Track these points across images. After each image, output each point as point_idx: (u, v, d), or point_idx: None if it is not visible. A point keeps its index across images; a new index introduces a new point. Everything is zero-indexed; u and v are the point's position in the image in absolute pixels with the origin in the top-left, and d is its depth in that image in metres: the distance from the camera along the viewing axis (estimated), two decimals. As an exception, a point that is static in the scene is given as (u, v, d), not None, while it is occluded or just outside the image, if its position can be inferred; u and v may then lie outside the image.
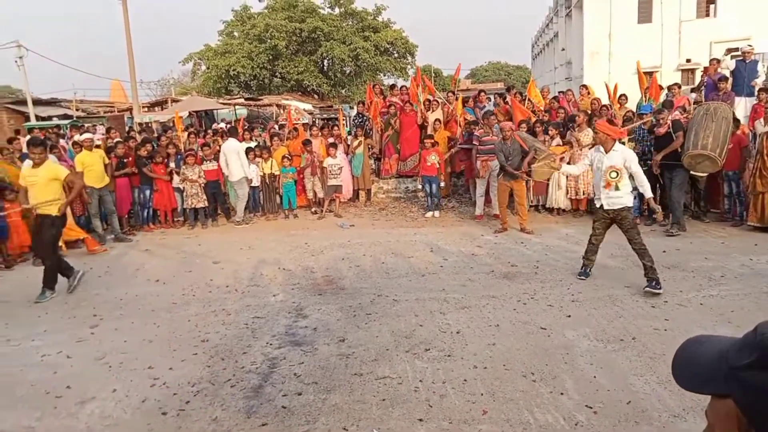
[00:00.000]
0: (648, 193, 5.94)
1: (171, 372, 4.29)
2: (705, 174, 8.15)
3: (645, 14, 24.62)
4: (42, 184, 6.25)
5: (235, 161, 9.83)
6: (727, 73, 10.70)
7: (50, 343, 4.99)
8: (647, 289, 5.54)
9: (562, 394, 3.71)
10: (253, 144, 10.73)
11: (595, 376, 3.92)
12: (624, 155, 5.79)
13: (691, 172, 7.97)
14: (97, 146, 9.57)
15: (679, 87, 10.98)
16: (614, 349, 4.36)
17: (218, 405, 3.76)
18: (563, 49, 31.46)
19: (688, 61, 23.78)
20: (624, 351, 4.31)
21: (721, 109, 7.68)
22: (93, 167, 8.87)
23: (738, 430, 0.75)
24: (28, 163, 6.56)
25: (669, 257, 6.83)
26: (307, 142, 10.69)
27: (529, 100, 11.40)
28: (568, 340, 4.56)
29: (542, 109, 10.92)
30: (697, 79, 15.76)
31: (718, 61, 11.37)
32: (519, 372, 4.04)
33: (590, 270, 6.24)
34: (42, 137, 8.14)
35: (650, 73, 16.54)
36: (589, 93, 11.22)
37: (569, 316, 5.09)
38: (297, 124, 14.18)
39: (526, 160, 8.16)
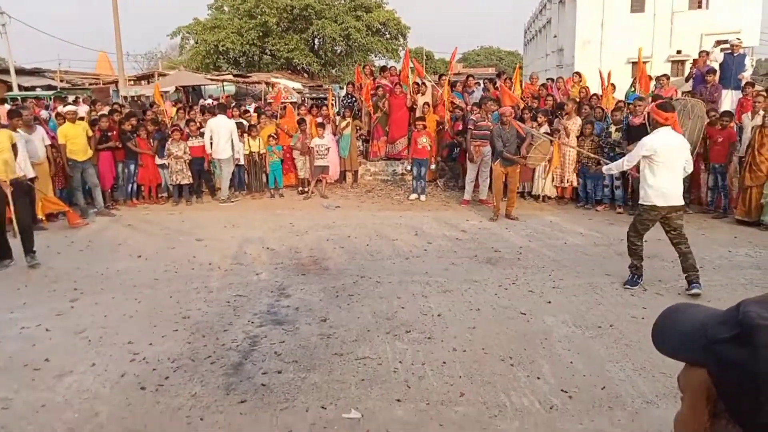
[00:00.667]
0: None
1: (151, 347, 4.28)
2: None
3: (638, 4, 24.63)
4: None
5: (225, 139, 9.73)
6: (716, 66, 10.77)
7: (29, 315, 4.96)
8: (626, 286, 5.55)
9: (538, 378, 3.77)
10: (243, 121, 10.64)
11: (571, 362, 3.99)
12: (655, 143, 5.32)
13: None
14: (81, 118, 9.43)
15: (668, 78, 11.03)
16: (592, 336, 4.43)
17: (198, 381, 3.77)
18: (555, 36, 31.42)
19: (679, 52, 23.89)
20: (601, 338, 4.38)
21: (698, 107, 7.87)
22: (76, 140, 8.75)
23: (707, 400, 0.78)
24: None
25: (649, 247, 6.88)
26: (301, 122, 10.61)
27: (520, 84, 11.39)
28: (547, 326, 4.61)
29: (529, 96, 10.91)
30: (687, 71, 15.84)
31: (708, 53, 11.43)
32: (497, 356, 4.09)
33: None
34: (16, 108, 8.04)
35: (643, 63, 16.60)
36: (581, 80, 11.22)
37: (549, 302, 5.16)
38: (285, 102, 14.06)
39: (524, 146, 8.20)
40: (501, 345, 4.27)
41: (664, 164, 5.17)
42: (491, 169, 8.90)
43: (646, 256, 6.46)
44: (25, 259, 6.39)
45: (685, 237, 5.41)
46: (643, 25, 24.07)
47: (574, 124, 9.18)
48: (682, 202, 5.35)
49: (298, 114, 11.30)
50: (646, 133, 7.75)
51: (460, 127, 10.30)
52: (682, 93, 10.62)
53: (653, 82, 10.81)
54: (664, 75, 11.00)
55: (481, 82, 12.59)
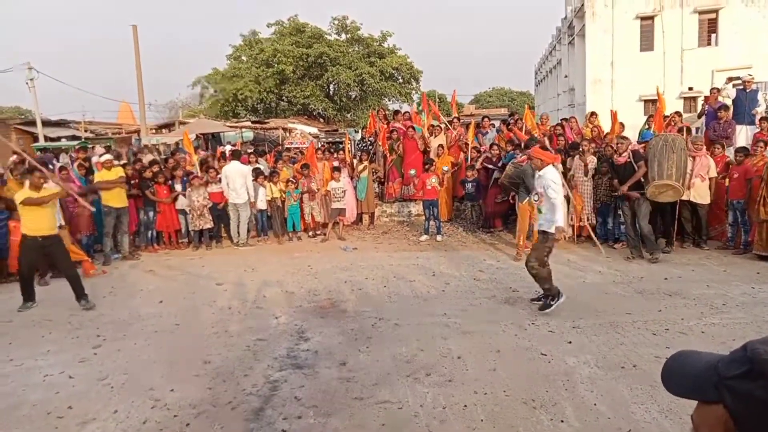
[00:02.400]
0: (557, 223, 5.83)
1: (172, 393, 4.30)
2: (666, 202, 8.27)
3: (647, 43, 24.91)
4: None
5: (241, 184, 9.93)
6: (729, 102, 10.82)
7: (53, 363, 5.02)
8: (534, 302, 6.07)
9: (562, 421, 3.71)
10: (261, 166, 10.86)
11: (595, 404, 3.92)
12: (543, 180, 5.91)
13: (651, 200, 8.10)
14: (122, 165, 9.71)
15: (680, 115, 11.09)
16: (615, 377, 4.36)
17: (219, 427, 3.77)
18: (566, 76, 31.79)
19: (690, 89, 23.98)
20: (625, 378, 4.31)
21: (678, 140, 8.08)
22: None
23: None
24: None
25: (670, 284, 6.85)
26: (305, 167, 10.80)
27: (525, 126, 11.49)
28: (568, 367, 4.56)
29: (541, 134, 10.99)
30: (699, 108, 15.89)
31: (719, 90, 11.50)
32: (519, 398, 4.04)
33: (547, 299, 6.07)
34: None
35: (653, 101, 16.70)
36: (594, 117, 11.23)
37: (570, 342, 5.10)
38: (302, 147, 14.35)
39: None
40: (522, 387, 4.22)
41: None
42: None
43: (667, 294, 6.41)
44: (80, 304, 6.64)
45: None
46: (653, 63, 24.29)
47: (591, 162, 9.22)
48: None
49: (316, 157, 11.48)
50: (631, 170, 8.13)
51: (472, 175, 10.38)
52: (695, 129, 10.66)
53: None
54: (676, 112, 11.06)
55: (495, 123, 12.75)
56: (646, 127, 11.14)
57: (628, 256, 8.22)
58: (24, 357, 5.15)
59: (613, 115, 11.01)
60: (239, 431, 3.71)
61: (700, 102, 18.45)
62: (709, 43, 24.52)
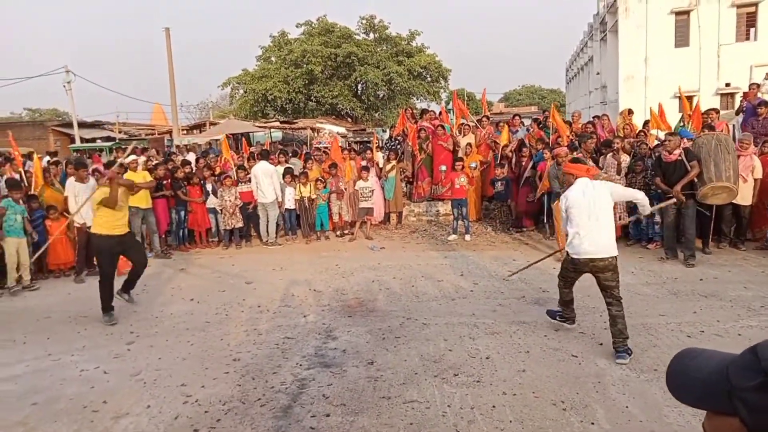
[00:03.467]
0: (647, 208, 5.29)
1: (203, 390, 4.37)
2: (712, 206, 7.94)
3: (682, 38, 24.33)
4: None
5: (268, 183, 10.03)
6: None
7: (88, 358, 5.15)
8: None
9: (592, 423, 3.65)
10: (293, 166, 10.95)
11: (627, 406, 3.85)
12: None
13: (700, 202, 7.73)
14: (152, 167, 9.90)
15: (717, 112, 10.79)
16: (647, 379, 4.27)
17: (248, 424, 3.82)
18: (598, 73, 31.26)
19: (728, 85, 23.35)
20: (658, 381, 4.21)
21: (729, 141, 7.74)
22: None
23: None
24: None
25: (706, 286, 6.67)
26: (332, 166, 10.84)
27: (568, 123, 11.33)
28: (599, 369, 4.48)
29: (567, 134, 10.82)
30: (737, 104, 15.45)
31: (758, 85, 11.15)
32: (549, 400, 3.99)
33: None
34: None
35: (690, 98, 16.31)
36: (630, 114, 11.01)
37: (601, 344, 5.01)
38: (324, 147, 14.42)
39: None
40: (552, 388, 4.16)
41: (580, 215, 4.82)
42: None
43: (702, 296, 6.25)
44: (120, 295, 6.55)
45: (618, 298, 4.81)
46: (688, 58, 23.72)
47: (624, 160, 9.04)
48: (605, 255, 4.74)
49: (344, 157, 11.53)
50: (682, 169, 7.61)
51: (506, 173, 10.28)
52: (733, 126, 10.35)
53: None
54: (713, 109, 10.77)
55: (525, 121, 12.61)
56: (681, 124, 10.87)
57: (662, 256, 8.00)
58: (61, 352, 5.30)
59: (660, 110, 10.76)
60: (268, 428, 3.75)
61: (738, 98, 17.94)
62: (747, 38, 23.83)
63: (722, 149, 7.49)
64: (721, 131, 9.39)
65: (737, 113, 11.20)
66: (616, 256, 4.79)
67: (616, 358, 4.60)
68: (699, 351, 0.90)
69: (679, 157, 7.67)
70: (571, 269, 5.02)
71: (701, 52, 23.90)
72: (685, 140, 8.27)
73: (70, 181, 8.27)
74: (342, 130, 26.74)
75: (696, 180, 7.62)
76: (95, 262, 7.77)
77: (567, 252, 5.01)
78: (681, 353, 0.92)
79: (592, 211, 4.77)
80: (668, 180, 7.75)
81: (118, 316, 6.27)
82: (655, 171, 8.12)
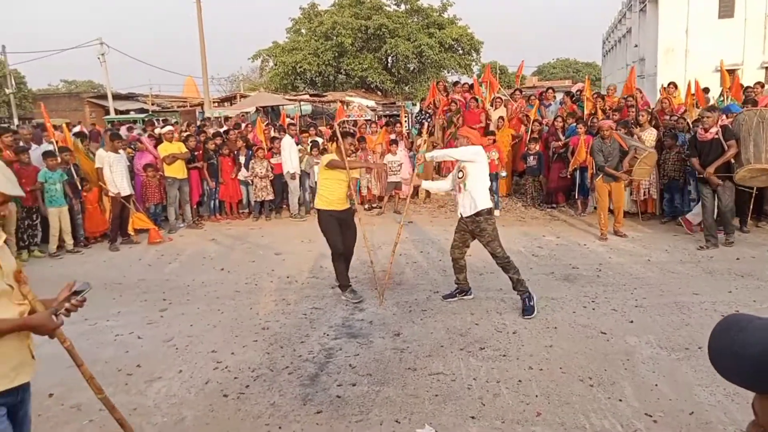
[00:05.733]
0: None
1: (233, 357, 4.47)
2: (754, 187, 7.39)
3: (727, 8, 23.33)
4: None
5: (287, 156, 10.04)
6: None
7: (123, 323, 5.31)
8: (525, 316, 5.13)
9: (620, 400, 3.61)
10: (318, 140, 10.93)
11: (656, 384, 3.80)
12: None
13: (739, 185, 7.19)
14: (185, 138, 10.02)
15: (762, 86, 10.36)
16: (678, 358, 4.20)
17: (276, 391, 3.90)
18: (636, 46, 30.28)
19: (774, 58, 22.39)
20: (689, 360, 4.14)
21: None
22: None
23: None
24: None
25: (743, 265, 6.49)
26: (360, 140, 10.76)
27: (600, 97, 11.04)
28: (629, 346, 4.42)
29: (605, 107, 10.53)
30: (783, 78, 14.81)
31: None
32: (576, 376, 3.96)
33: (458, 292, 5.68)
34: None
35: (732, 71, 15.69)
36: (676, 91, 10.61)
37: (632, 321, 4.94)
38: (358, 120, 14.34)
39: (627, 160, 7.77)
40: (580, 365, 4.13)
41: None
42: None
43: (738, 275, 6.09)
44: (343, 291, 5.91)
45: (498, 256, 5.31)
46: (732, 30, 22.76)
47: (650, 135, 8.74)
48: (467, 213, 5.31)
49: (371, 131, 11.47)
50: (718, 148, 7.07)
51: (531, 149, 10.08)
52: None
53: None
54: (759, 83, 10.34)
55: (558, 95, 12.32)
56: (721, 99, 10.48)
57: (702, 245, 7.30)
58: (97, 317, 5.46)
59: (697, 86, 10.34)
60: (295, 395, 3.82)
61: (784, 72, 17.20)
62: (797, 8, 22.73)
63: (765, 127, 6.92)
64: (766, 106, 9.02)
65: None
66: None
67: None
68: (747, 320, 0.77)
69: (716, 136, 7.09)
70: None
71: (746, 23, 22.89)
72: (724, 117, 7.84)
73: (102, 152, 8.42)
74: (372, 103, 26.58)
75: (733, 161, 7.05)
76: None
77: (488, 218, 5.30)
78: (726, 323, 0.79)
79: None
80: (704, 160, 7.17)
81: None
82: (690, 150, 7.58)
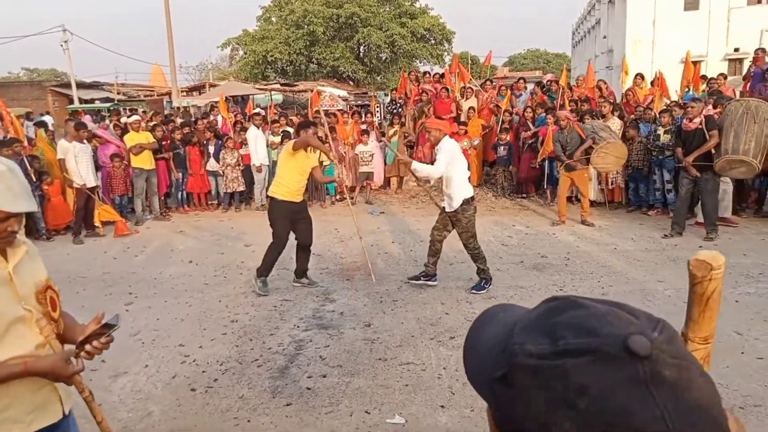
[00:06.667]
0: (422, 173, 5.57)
1: (201, 350, 4.40)
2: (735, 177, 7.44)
3: (692, 1, 23.79)
4: None
5: (253, 147, 9.91)
6: (777, 64, 10.26)
7: (87, 318, 5.14)
8: (473, 291, 5.52)
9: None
10: (289, 130, 10.80)
11: (621, 371, 3.87)
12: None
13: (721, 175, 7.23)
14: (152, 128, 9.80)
15: (725, 77, 10.60)
16: (643, 344, 4.28)
17: (245, 384, 3.86)
18: (605, 37, 30.70)
19: (737, 50, 22.95)
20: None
21: (763, 108, 6.94)
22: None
23: None
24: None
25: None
26: (331, 129, 10.67)
27: (569, 87, 11.17)
28: (595, 334, 4.49)
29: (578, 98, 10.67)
30: (745, 69, 15.19)
31: (765, 50, 10.90)
32: (544, 363, 4.01)
33: (422, 275, 5.78)
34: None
35: (696, 63, 16.02)
36: (642, 81, 10.78)
37: (598, 309, 5.02)
38: (331, 109, 14.22)
39: (580, 150, 7.90)
40: (547, 352, 4.18)
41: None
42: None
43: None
44: (258, 282, 5.75)
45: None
46: (697, 22, 23.24)
47: (614, 125, 8.90)
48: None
49: (342, 121, 11.38)
50: (701, 138, 7.15)
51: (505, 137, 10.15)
52: (740, 93, 10.18)
53: (702, 84, 10.42)
54: (721, 74, 10.58)
55: (528, 86, 12.40)
56: (687, 91, 10.70)
57: (666, 233, 7.39)
58: (60, 312, 5.32)
59: (661, 77, 10.52)
60: (265, 388, 3.79)
61: (746, 64, 17.62)
62: (759, 1, 23.29)
63: (749, 118, 6.87)
64: (731, 97, 9.23)
65: (744, 79, 11.00)
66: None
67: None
68: (503, 309, 0.69)
69: (700, 126, 7.12)
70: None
71: (711, 15, 23.39)
72: (710, 107, 7.90)
73: (64, 142, 8.18)
74: (343, 93, 26.40)
75: (713, 151, 7.06)
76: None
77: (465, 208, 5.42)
78: (484, 313, 0.70)
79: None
80: (686, 150, 7.20)
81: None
82: (675, 139, 7.67)
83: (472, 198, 5.49)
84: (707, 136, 7.06)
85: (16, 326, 1.72)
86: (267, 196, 5.94)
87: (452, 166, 5.33)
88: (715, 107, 7.97)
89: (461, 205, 5.37)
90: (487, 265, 5.56)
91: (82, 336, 1.88)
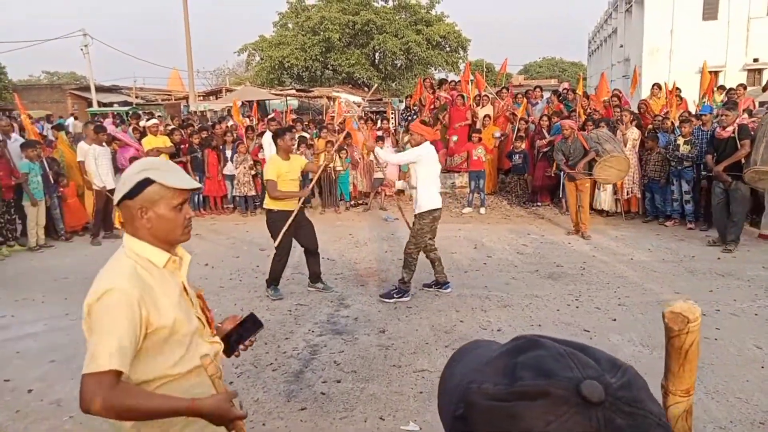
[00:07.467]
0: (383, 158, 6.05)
1: (216, 353, 4.43)
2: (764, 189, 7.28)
3: (710, 10, 23.62)
4: None
5: (268, 153, 9.98)
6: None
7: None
8: (380, 296, 5.62)
9: (603, 398, 3.64)
10: (306, 135, 10.88)
11: (638, 382, 3.83)
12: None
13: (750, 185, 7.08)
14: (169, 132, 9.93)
15: (745, 88, 10.50)
16: (660, 356, 4.18)
17: (260, 387, 3.88)
18: (621, 46, 30.56)
19: (756, 60, 22.71)
20: (670, 358, 4.18)
21: None
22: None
23: None
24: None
25: (724, 264, 6.59)
26: (347, 136, 10.72)
27: (585, 96, 11.11)
28: (612, 344, 4.46)
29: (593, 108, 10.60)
30: (765, 80, 15.04)
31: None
32: (559, 373, 3.98)
33: (434, 283, 5.86)
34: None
35: (714, 73, 15.89)
36: (660, 92, 10.71)
37: (614, 319, 4.99)
38: (346, 116, 14.28)
39: (584, 161, 7.86)
40: (563, 362, 4.15)
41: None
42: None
43: (719, 275, 6.17)
44: (269, 290, 5.86)
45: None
46: (716, 32, 23.05)
47: (632, 134, 8.85)
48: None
49: (358, 128, 11.41)
50: (733, 147, 7.07)
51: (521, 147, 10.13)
52: (759, 104, 10.09)
53: (716, 94, 10.33)
54: (741, 85, 10.48)
55: (544, 94, 12.37)
56: (704, 101, 10.61)
57: (710, 241, 7.40)
58: (78, 312, 5.37)
59: (674, 87, 10.43)
60: (280, 392, 3.80)
61: (766, 74, 17.45)
62: (779, 11, 23.07)
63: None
64: (747, 108, 9.15)
65: (764, 90, 10.90)
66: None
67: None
68: (477, 346, 0.69)
69: (732, 134, 7.07)
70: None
71: (730, 25, 23.19)
72: (746, 116, 7.81)
73: (83, 144, 8.30)
74: (358, 99, 26.50)
75: (744, 161, 6.97)
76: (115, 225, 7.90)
77: (423, 215, 5.48)
78: (461, 348, 0.70)
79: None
80: (718, 158, 7.18)
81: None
82: (708, 147, 7.61)
83: (437, 210, 5.54)
84: (739, 145, 7.01)
85: (195, 338, 1.66)
86: (263, 208, 5.93)
87: (420, 165, 5.44)
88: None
89: (423, 211, 5.47)
90: (411, 278, 5.56)
91: (226, 332, 1.85)
